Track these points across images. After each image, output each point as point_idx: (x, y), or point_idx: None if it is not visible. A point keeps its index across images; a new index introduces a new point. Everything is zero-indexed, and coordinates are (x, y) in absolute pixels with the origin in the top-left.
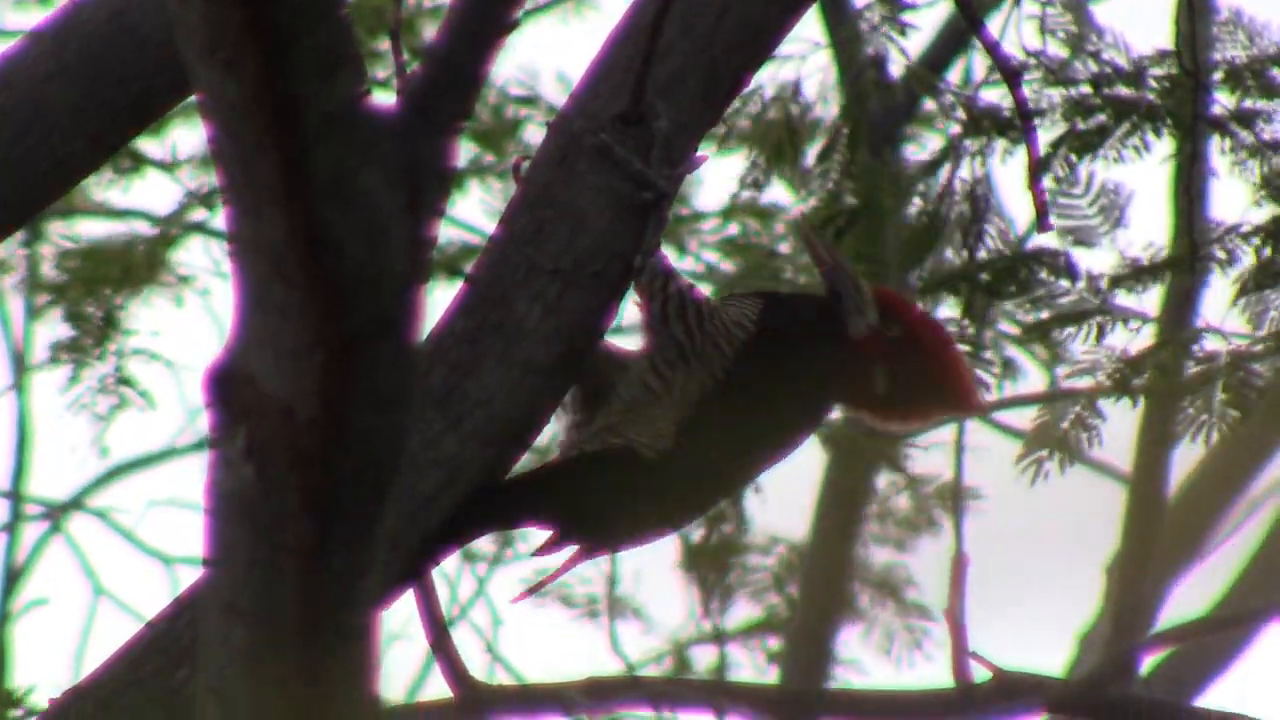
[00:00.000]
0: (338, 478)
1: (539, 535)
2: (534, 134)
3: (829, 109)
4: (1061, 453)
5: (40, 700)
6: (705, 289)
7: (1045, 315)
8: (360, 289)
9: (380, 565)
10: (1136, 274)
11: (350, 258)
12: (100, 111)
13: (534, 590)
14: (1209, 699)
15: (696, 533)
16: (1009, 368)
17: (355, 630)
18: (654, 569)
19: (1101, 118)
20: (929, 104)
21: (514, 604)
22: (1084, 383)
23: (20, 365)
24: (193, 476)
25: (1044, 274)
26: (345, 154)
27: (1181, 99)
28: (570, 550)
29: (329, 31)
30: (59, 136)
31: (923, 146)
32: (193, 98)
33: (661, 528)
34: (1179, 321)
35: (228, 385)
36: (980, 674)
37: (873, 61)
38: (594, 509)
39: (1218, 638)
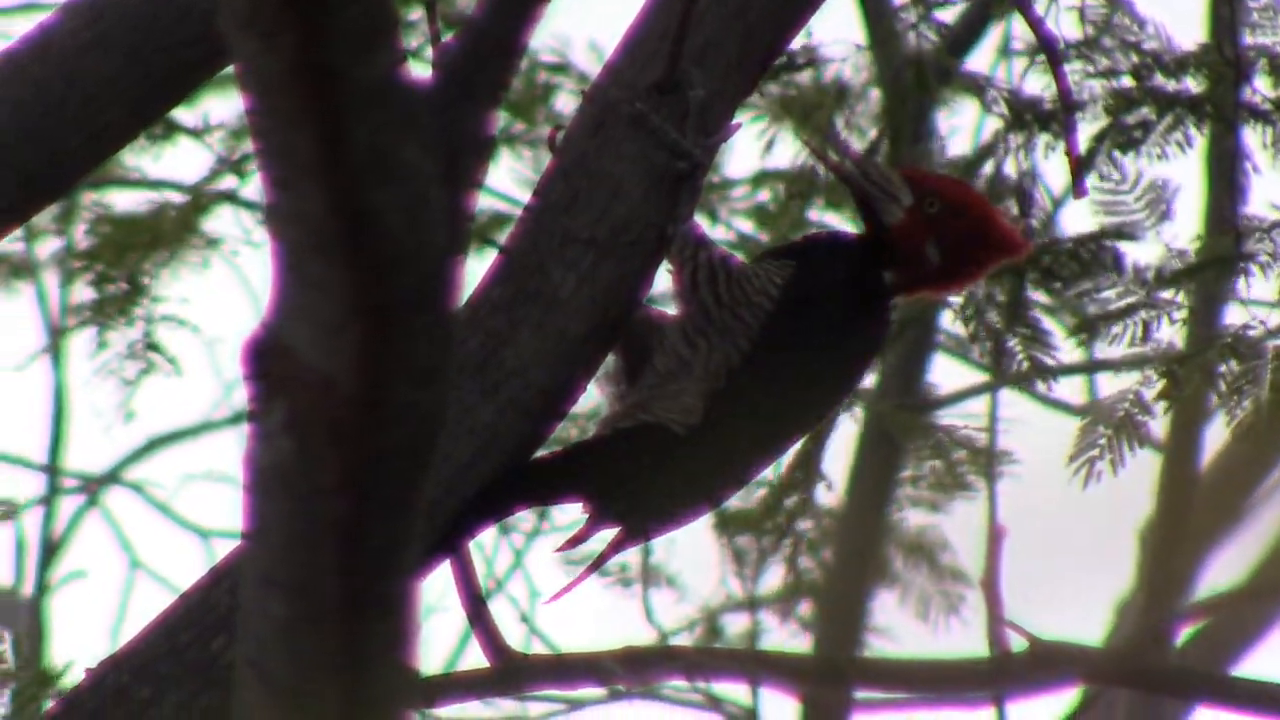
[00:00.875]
0: (376, 450)
1: (574, 507)
2: (565, 102)
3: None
4: (1112, 450)
5: (76, 676)
6: (740, 256)
7: (1091, 310)
8: (399, 262)
9: (418, 537)
10: (1189, 271)
11: (389, 231)
12: (138, 82)
13: (574, 585)
14: (1245, 668)
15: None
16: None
17: (394, 602)
18: (686, 537)
19: (1144, 111)
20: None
21: (553, 600)
22: (1130, 379)
23: (56, 338)
24: (229, 449)
25: (1095, 266)
26: (384, 127)
27: (1223, 90)
28: (607, 537)
29: (368, 2)
30: (96, 107)
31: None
32: (230, 69)
33: (699, 504)
34: (1209, 313)
35: (266, 358)
36: (1017, 643)
37: (914, 62)
38: (629, 487)
39: (1253, 607)
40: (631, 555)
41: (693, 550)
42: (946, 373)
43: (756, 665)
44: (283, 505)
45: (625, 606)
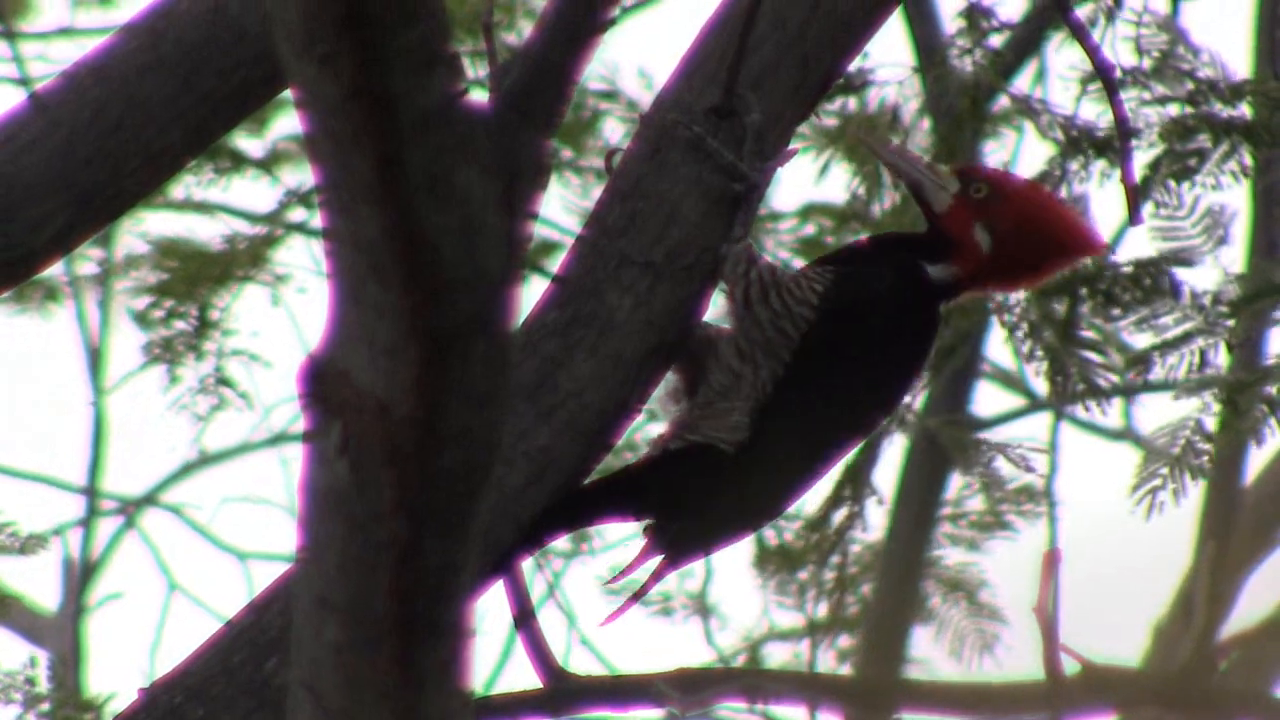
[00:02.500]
0: (432, 474)
1: (614, 530)
2: (613, 129)
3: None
4: (1175, 480)
5: (119, 706)
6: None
7: (1148, 338)
8: (456, 286)
9: (474, 561)
10: (1248, 298)
11: (446, 255)
12: (197, 104)
13: (624, 609)
14: None
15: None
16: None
17: (449, 625)
18: (726, 567)
19: (1201, 138)
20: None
21: (605, 623)
22: (1191, 403)
23: (96, 361)
24: (267, 472)
25: (1151, 292)
26: (441, 151)
27: (1276, 116)
28: (654, 561)
29: (426, 26)
30: (154, 129)
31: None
32: (289, 93)
33: (749, 523)
34: (1255, 341)
35: (323, 380)
36: (1070, 667)
37: (970, 89)
38: (683, 507)
39: None
40: (672, 584)
41: (734, 580)
42: (990, 401)
43: (811, 687)
44: (338, 528)
45: (666, 634)
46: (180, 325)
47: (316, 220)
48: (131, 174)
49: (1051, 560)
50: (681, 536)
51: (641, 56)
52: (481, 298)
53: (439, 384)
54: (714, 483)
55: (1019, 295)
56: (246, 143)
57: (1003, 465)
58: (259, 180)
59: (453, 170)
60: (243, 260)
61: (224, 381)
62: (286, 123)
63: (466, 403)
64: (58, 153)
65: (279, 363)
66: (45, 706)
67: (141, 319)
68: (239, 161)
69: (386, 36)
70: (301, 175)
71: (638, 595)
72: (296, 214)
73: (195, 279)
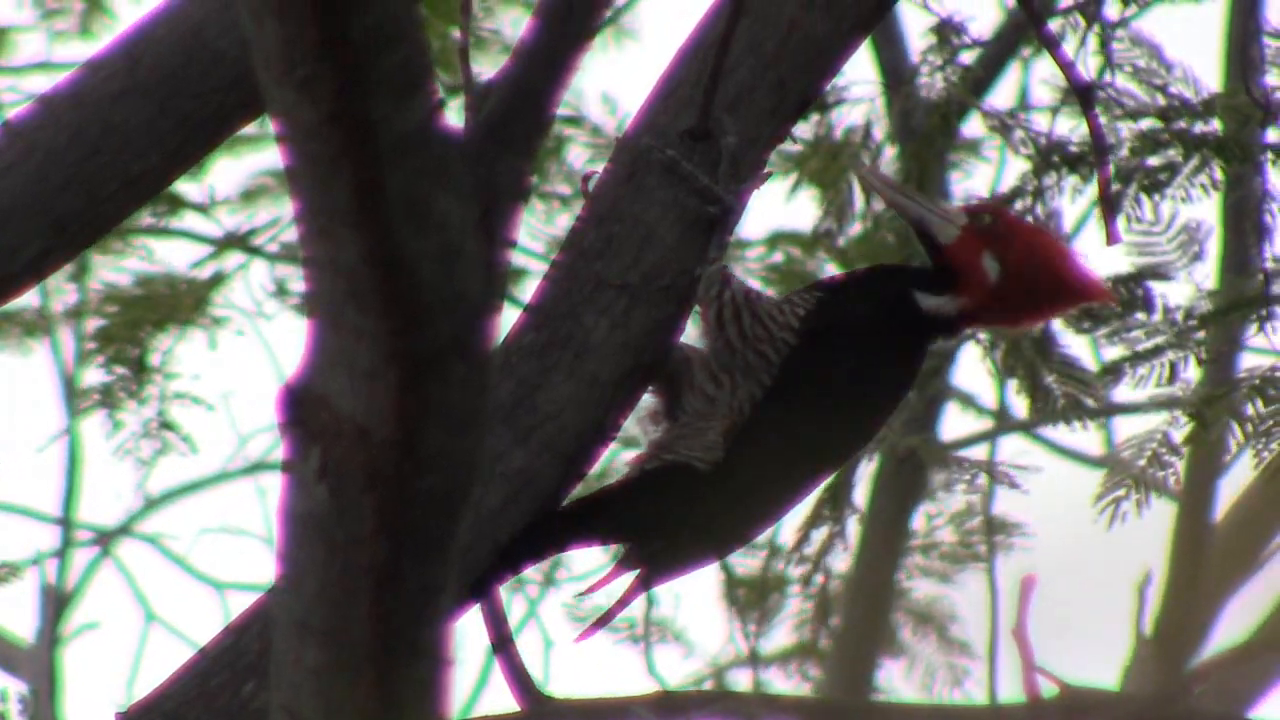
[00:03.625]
0: (412, 498)
1: (588, 555)
2: (578, 155)
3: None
4: (1139, 491)
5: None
6: (770, 291)
7: (1120, 350)
8: (434, 310)
9: (452, 584)
10: (1219, 312)
11: (425, 279)
12: (174, 128)
13: (598, 625)
14: (1263, 711)
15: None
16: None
17: (428, 648)
18: (693, 593)
19: (1171, 153)
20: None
21: (580, 639)
22: (1159, 418)
23: (71, 392)
24: (243, 502)
25: (1125, 306)
26: (420, 176)
27: (1249, 132)
28: (627, 581)
29: (405, 52)
30: (131, 153)
31: (968, 174)
32: (263, 117)
33: (721, 546)
34: (1226, 356)
35: (302, 405)
36: (1047, 690)
37: (942, 106)
38: (658, 527)
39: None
40: (638, 610)
41: (698, 606)
42: (953, 424)
43: (788, 710)
44: (318, 552)
45: (632, 661)
46: (120, 371)
47: (256, 262)
48: (109, 199)
49: (1027, 584)
50: (655, 557)
51: (606, 82)
52: (460, 322)
53: (418, 408)
54: (689, 502)
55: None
56: (185, 186)
57: (984, 483)
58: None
59: (431, 195)
60: (184, 303)
61: (167, 425)
62: (224, 165)
63: (446, 426)
64: (33, 178)
65: (250, 396)
66: None
67: (82, 361)
68: (177, 205)
69: (365, 61)
70: (239, 218)
71: (609, 615)
72: (235, 259)
73: (135, 323)
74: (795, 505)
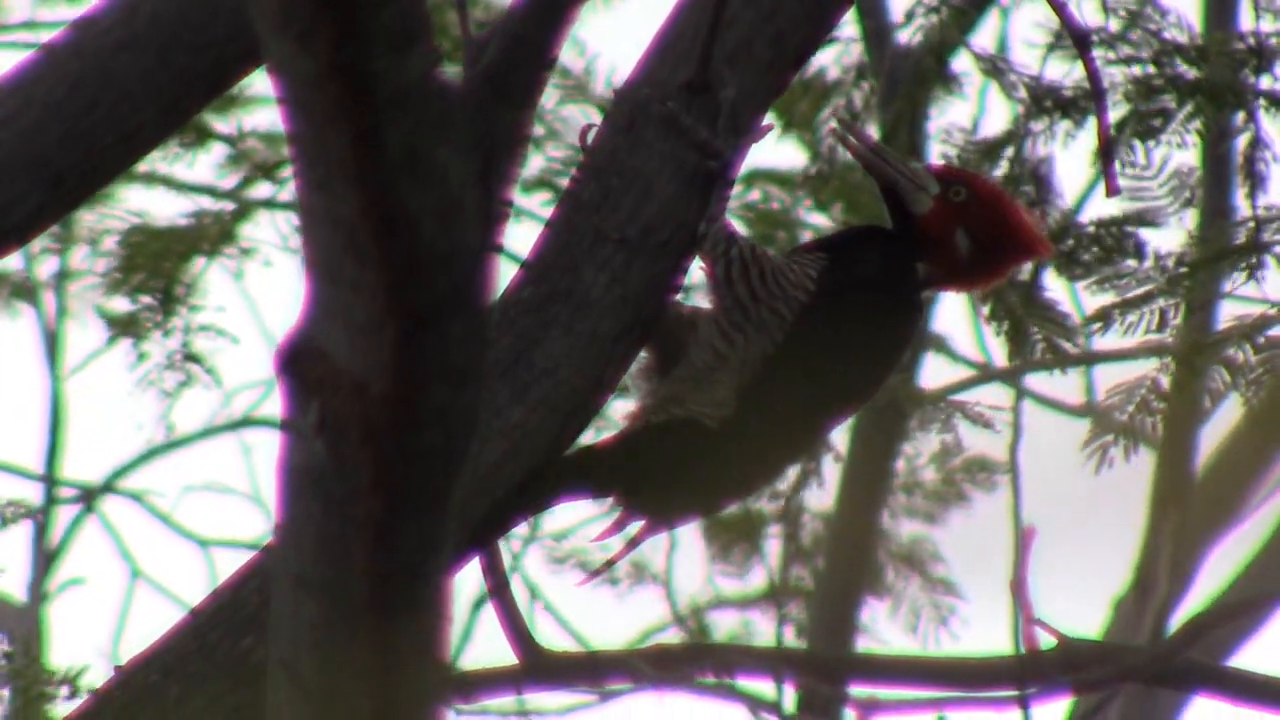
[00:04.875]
0: (409, 453)
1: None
2: (547, 97)
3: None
4: (1127, 437)
5: (92, 682)
6: (772, 250)
7: (1109, 298)
8: (433, 264)
9: (450, 538)
10: (1209, 259)
11: (423, 232)
12: (172, 81)
13: (601, 571)
14: (1240, 660)
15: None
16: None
17: (425, 603)
18: (673, 535)
19: (1165, 99)
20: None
21: (582, 584)
22: (1150, 364)
23: (54, 348)
24: (229, 458)
25: (1114, 252)
26: (418, 128)
27: (1239, 77)
28: (631, 527)
29: (403, 4)
30: (129, 106)
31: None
32: (262, 70)
33: (729, 496)
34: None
35: (300, 360)
36: (1045, 642)
37: (934, 50)
38: (661, 480)
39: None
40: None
41: (680, 548)
42: (936, 373)
43: (785, 663)
44: (315, 507)
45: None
46: (145, 301)
47: (282, 195)
48: (105, 152)
49: (1025, 536)
50: (659, 507)
51: (589, 34)
52: (459, 275)
53: (416, 362)
54: (697, 456)
55: None
56: (214, 119)
57: (961, 426)
58: (225, 156)
59: (430, 147)
60: (209, 236)
61: (191, 357)
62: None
63: (444, 380)
64: (31, 132)
65: (245, 342)
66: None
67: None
68: (205, 136)
69: (363, 13)
70: (267, 152)
71: (613, 560)
72: (262, 189)
73: (161, 255)
74: (800, 458)
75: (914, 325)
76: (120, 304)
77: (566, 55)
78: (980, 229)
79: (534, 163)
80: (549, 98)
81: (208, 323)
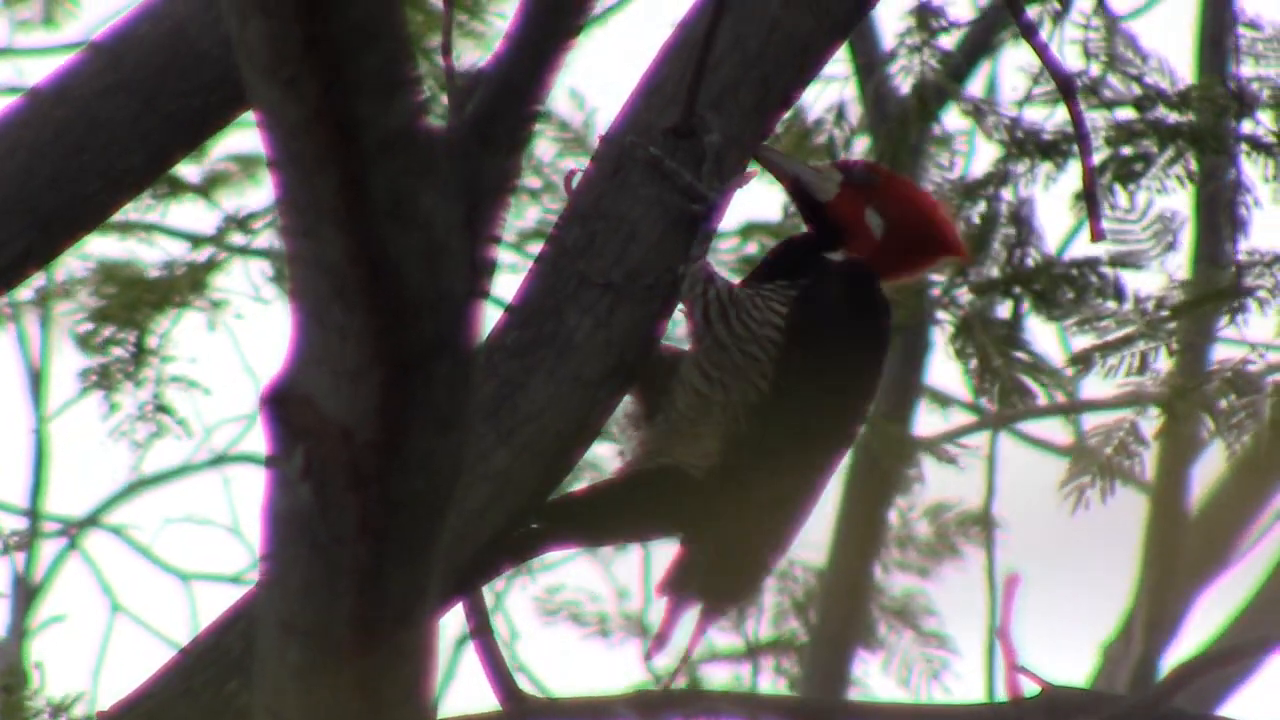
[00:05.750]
0: (395, 498)
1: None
2: (546, 149)
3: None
4: (1104, 478)
5: (82, 710)
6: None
7: (1090, 340)
8: (419, 309)
9: (435, 584)
10: (1192, 303)
11: (409, 278)
12: (158, 126)
13: (676, 675)
14: (1230, 709)
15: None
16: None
17: (411, 648)
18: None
19: (1146, 143)
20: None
21: (649, 658)
22: (1129, 410)
23: (37, 383)
24: (210, 493)
25: (1092, 292)
26: (405, 174)
27: (1224, 123)
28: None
29: (390, 50)
30: (116, 151)
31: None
32: (247, 115)
33: (768, 556)
34: (1196, 343)
35: (286, 405)
36: (1029, 689)
37: (919, 91)
38: (648, 531)
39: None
40: (609, 605)
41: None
42: (935, 423)
43: (770, 709)
44: (301, 552)
45: (601, 655)
46: (118, 352)
47: (256, 243)
48: (92, 196)
49: (1011, 583)
50: (712, 590)
51: (576, 78)
52: (445, 321)
53: (402, 407)
54: (682, 507)
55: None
56: (184, 168)
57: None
58: (197, 205)
59: (416, 194)
60: (181, 286)
61: (162, 409)
62: (225, 146)
63: (430, 426)
64: (18, 175)
65: (223, 386)
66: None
67: (83, 342)
68: (177, 187)
69: (350, 60)
70: (240, 200)
71: (687, 655)
72: (235, 239)
73: (133, 305)
74: (813, 501)
75: (887, 331)
76: (95, 353)
77: (565, 108)
78: (888, 206)
79: (531, 214)
80: (547, 150)
81: (179, 374)
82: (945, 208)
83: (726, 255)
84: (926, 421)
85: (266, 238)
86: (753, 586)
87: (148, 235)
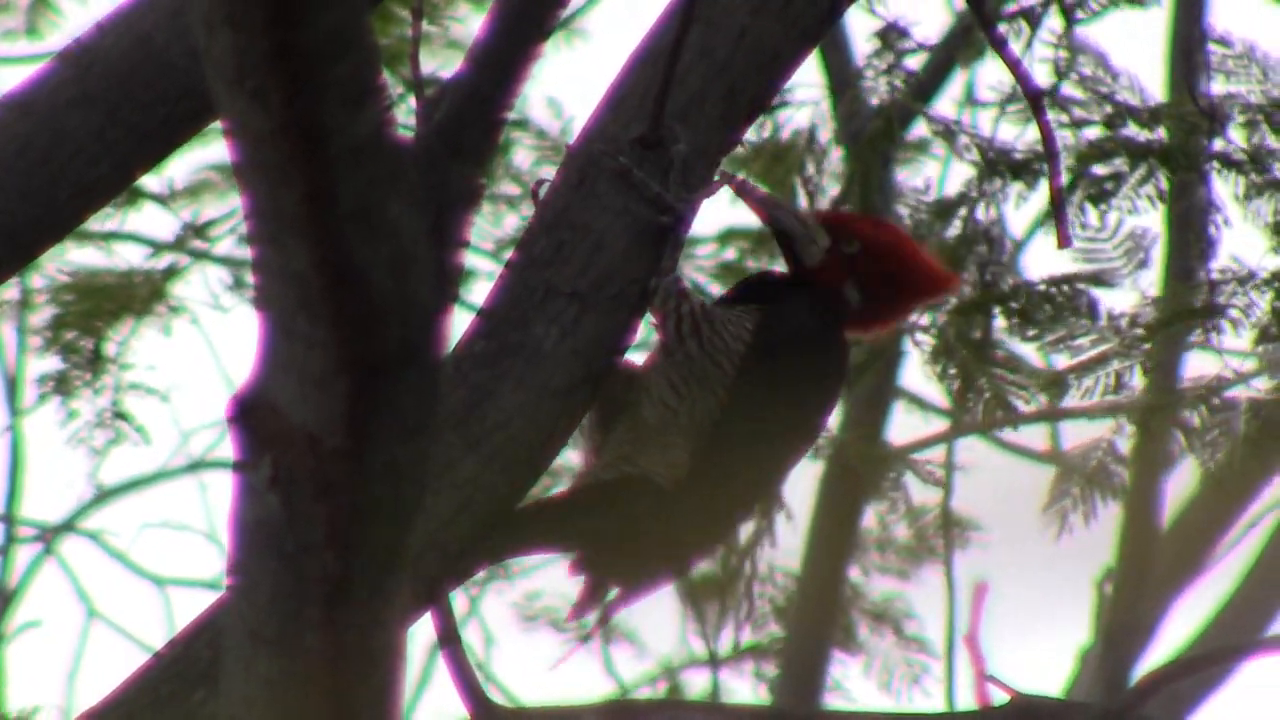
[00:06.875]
0: (362, 506)
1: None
2: (523, 158)
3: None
4: (1085, 503)
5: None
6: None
7: (1065, 359)
8: (386, 318)
9: (404, 591)
10: (1166, 320)
11: (376, 287)
12: (124, 137)
13: (579, 645)
14: (1203, 716)
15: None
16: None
17: (379, 656)
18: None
19: (1117, 162)
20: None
21: (557, 666)
22: (1104, 426)
23: (14, 389)
24: (186, 498)
25: (1068, 311)
26: (371, 184)
27: (1196, 141)
28: (609, 597)
29: (356, 60)
30: (82, 162)
31: (915, 173)
32: (214, 126)
33: (691, 556)
34: (1168, 360)
35: (253, 414)
36: (998, 698)
37: (886, 110)
38: (612, 538)
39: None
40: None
41: (652, 607)
42: (907, 427)
43: (737, 717)
44: (269, 561)
45: (581, 662)
46: (75, 359)
47: (215, 250)
48: (61, 208)
49: (980, 591)
50: (616, 568)
51: (554, 84)
52: (411, 329)
53: (369, 415)
54: (648, 515)
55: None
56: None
57: (911, 482)
58: (156, 212)
59: (383, 203)
60: (140, 294)
61: (120, 415)
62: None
63: (397, 434)
64: None
65: (200, 392)
66: None
67: (46, 348)
68: (135, 195)
69: (317, 70)
70: (199, 208)
71: (589, 635)
72: (195, 244)
73: (92, 313)
74: (752, 512)
75: (845, 360)
76: (43, 364)
77: (543, 116)
78: (870, 280)
79: (508, 222)
80: (524, 158)
81: (138, 381)
82: (927, 251)
83: (705, 261)
84: (902, 423)
85: (226, 245)
86: (669, 578)
87: (106, 244)
